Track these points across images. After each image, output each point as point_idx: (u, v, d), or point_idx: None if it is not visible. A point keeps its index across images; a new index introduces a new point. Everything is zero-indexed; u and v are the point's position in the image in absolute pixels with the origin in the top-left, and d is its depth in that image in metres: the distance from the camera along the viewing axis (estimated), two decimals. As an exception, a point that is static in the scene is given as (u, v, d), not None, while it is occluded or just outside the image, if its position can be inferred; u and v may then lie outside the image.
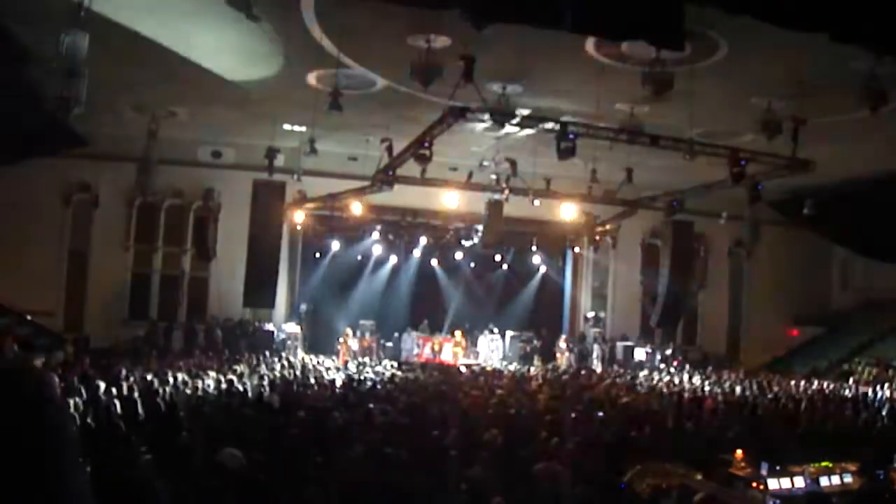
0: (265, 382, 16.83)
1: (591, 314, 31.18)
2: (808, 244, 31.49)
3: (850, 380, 24.21)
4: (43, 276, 25.00)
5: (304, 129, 21.95)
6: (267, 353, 23.49)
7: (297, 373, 19.64)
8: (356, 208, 25.13)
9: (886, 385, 21.72)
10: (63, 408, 1.61)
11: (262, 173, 23.34)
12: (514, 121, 17.61)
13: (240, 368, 18.70)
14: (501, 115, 17.08)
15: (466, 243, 29.42)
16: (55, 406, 1.59)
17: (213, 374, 16.93)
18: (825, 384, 23.21)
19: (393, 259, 30.65)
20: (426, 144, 17.78)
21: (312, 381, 18.05)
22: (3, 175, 22.59)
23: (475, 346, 29.00)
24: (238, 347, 24.46)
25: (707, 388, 21.06)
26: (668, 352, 29.65)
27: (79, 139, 21.83)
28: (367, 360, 25.48)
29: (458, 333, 28.93)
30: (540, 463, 8.83)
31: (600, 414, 14.23)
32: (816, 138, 17.89)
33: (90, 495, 1.61)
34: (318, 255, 29.47)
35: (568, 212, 25.64)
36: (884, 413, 17.92)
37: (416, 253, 30.64)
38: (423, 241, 30.09)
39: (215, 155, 26.46)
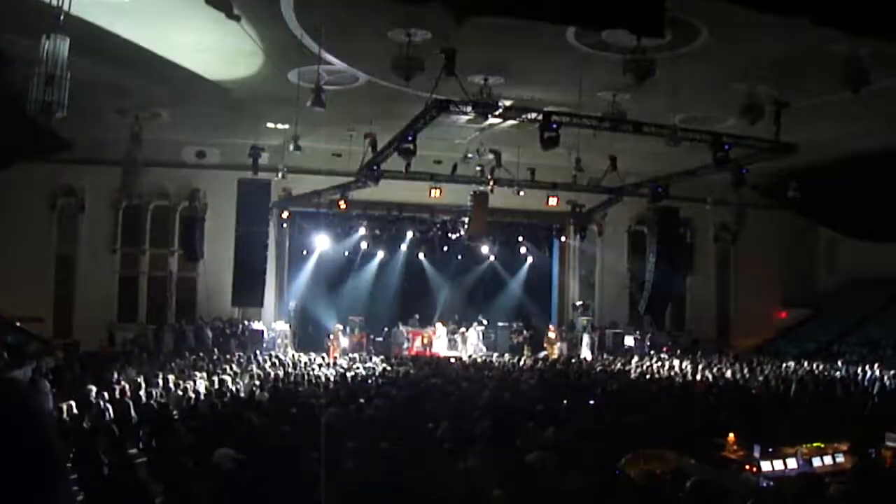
0: (256, 381, 16.81)
1: (579, 303, 31.22)
2: (794, 226, 31.69)
3: (840, 360, 24.34)
4: (31, 281, 24.85)
5: (287, 126, 21.89)
6: (257, 352, 23.40)
7: (288, 371, 19.59)
8: (342, 204, 25.09)
9: (876, 364, 21.85)
10: (49, 419, 1.60)
11: (246, 172, 23.37)
12: (497, 112, 17.60)
13: (230, 368, 18.66)
14: (484, 107, 17.07)
15: (453, 236, 29.46)
16: (42, 417, 1.58)
17: (204, 374, 16.91)
18: (815, 365, 23.35)
19: (380, 254, 30.67)
20: (410, 138, 17.77)
21: (304, 378, 18.03)
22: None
23: (464, 337, 28.90)
24: (228, 347, 24.40)
25: (698, 373, 21.12)
26: (657, 337, 29.70)
27: (62, 143, 21.76)
28: (357, 355, 25.42)
29: (439, 325, 28.85)
30: (534, 452, 8.86)
31: (593, 402, 14.30)
32: (799, 121, 17.97)
33: None
34: (305, 252, 29.44)
35: (553, 201, 25.76)
36: (874, 392, 18.08)
37: (403, 247, 30.68)
38: (409, 234, 30.19)
39: (200, 155, 26.39)
